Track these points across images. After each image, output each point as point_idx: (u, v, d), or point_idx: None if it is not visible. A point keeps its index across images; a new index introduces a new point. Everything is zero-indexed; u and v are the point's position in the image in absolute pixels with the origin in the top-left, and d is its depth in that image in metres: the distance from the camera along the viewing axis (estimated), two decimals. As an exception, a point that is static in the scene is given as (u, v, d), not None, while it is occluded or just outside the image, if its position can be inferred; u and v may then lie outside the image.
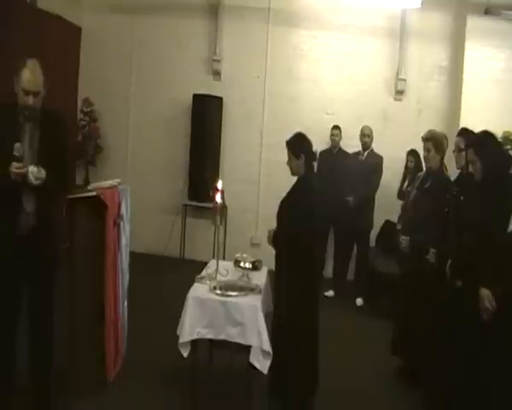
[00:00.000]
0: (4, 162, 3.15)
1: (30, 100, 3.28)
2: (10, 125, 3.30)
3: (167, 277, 7.10)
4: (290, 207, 3.96)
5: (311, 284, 3.96)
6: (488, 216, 3.54)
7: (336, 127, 7.64)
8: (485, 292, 3.36)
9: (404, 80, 8.07)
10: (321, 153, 6.92)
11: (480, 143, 3.82)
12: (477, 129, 4.27)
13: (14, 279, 3.36)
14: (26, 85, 3.26)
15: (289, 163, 4.07)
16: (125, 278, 4.40)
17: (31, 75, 3.27)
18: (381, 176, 7.04)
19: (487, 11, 7.23)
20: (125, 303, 4.45)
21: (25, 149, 3.26)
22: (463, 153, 4.36)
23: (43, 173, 3.24)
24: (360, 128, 7.22)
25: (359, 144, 7.22)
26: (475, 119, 6.40)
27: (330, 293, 7.27)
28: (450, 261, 3.98)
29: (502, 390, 3.32)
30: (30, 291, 3.46)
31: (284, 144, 4.10)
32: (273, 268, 4.07)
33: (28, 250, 3.34)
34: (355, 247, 7.32)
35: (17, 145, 3.17)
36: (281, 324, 3.94)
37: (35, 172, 3.20)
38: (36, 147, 3.35)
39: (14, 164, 3.15)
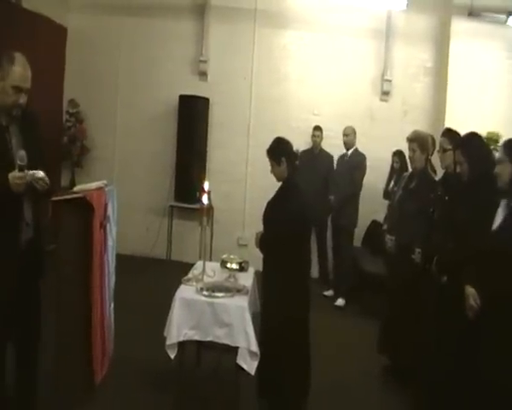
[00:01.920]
0: None
1: (22, 98, 3.02)
2: None
3: (154, 278, 7.08)
4: (276, 209, 3.97)
5: (299, 284, 3.97)
6: (474, 215, 3.59)
7: (317, 128, 7.70)
8: (469, 290, 3.39)
9: (390, 81, 8.14)
10: (302, 153, 6.94)
11: (467, 144, 3.89)
12: (462, 129, 4.33)
13: (10, 292, 3.17)
14: (19, 82, 2.99)
15: (273, 171, 4.07)
16: (111, 280, 4.37)
17: (23, 71, 3.01)
18: (363, 174, 7.06)
19: (471, 13, 7.31)
20: (112, 305, 4.42)
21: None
22: (448, 153, 4.41)
23: (47, 179, 3.01)
24: (344, 129, 7.30)
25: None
26: (460, 119, 6.47)
27: (330, 292, 7.33)
28: (435, 258, 4.04)
29: (489, 387, 3.35)
30: (19, 303, 3.28)
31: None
32: (260, 269, 4.08)
33: (23, 263, 3.18)
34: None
35: (22, 153, 2.89)
36: (269, 325, 3.94)
37: (43, 178, 2.96)
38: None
39: (16, 174, 2.89)
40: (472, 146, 3.87)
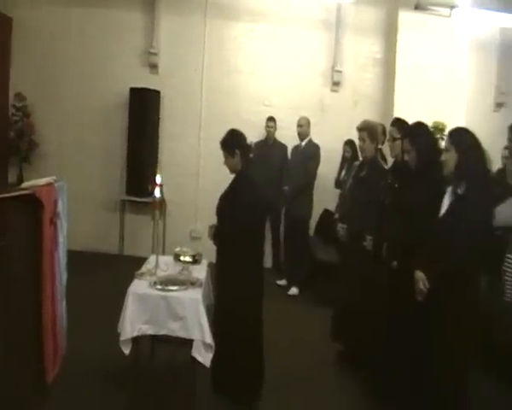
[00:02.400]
0: None
1: None
2: None
3: (106, 274, 6.98)
4: (230, 202, 3.98)
5: (253, 276, 3.99)
6: (422, 201, 3.71)
7: (271, 119, 7.73)
8: (419, 274, 3.49)
9: (340, 72, 8.24)
10: (256, 144, 6.96)
11: (414, 133, 4.02)
12: (410, 119, 4.44)
13: None
14: None
15: (226, 162, 4.08)
16: (63, 277, 4.30)
17: None
18: (317, 164, 7.14)
19: (417, 6, 7.50)
20: (64, 302, 4.35)
21: None
22: (397, 142, 4.51)
23: None
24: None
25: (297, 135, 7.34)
26: (408, 109, 6.60)
27: (283, 282, 7.39)
28: (385, 244, 4.14)
29: (438, 367, 3.46)
30: None
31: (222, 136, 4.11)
32: (213, 261, 4.09)
33: None
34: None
35: None
36: (223, 317, 3.95)
37: None
38: None
39: None
40: (419, 135, 3.99)
